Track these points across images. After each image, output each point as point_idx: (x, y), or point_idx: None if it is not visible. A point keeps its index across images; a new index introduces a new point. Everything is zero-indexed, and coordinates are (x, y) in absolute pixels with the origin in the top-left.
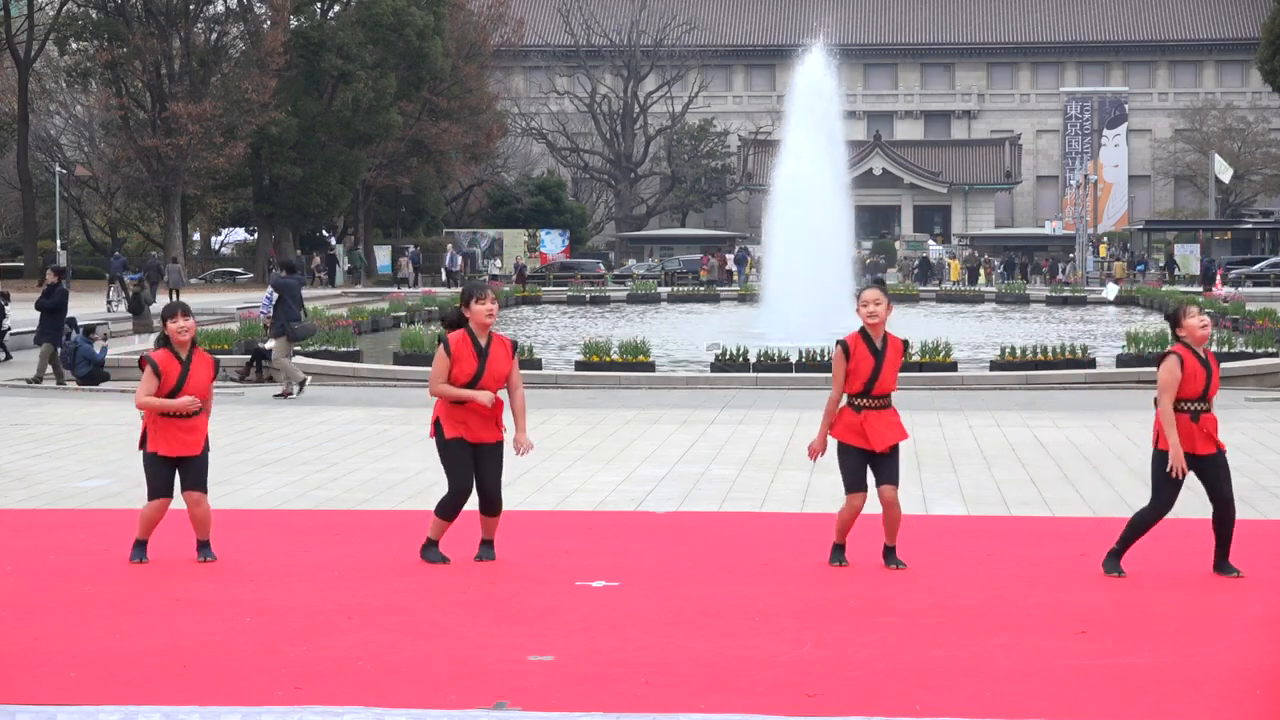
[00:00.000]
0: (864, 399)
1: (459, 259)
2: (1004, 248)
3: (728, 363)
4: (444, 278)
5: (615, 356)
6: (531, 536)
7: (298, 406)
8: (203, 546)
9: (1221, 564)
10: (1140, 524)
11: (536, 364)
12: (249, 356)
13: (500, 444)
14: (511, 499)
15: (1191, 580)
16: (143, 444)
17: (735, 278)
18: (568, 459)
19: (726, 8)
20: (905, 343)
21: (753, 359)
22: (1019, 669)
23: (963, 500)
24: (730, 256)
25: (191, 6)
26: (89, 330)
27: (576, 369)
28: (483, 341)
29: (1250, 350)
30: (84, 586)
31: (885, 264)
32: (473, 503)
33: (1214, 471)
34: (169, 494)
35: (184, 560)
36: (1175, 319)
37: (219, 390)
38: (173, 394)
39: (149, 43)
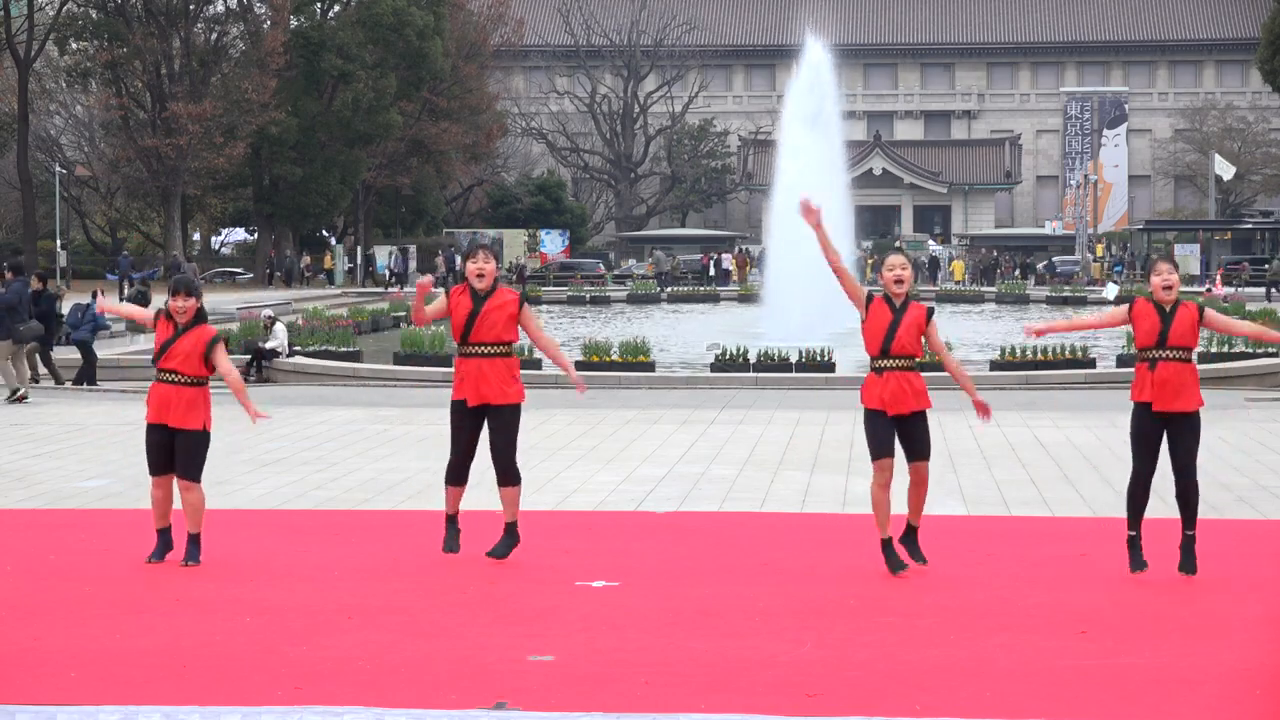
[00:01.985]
0: (883, 359)
1: (400, 260)
2: (1005, 248)
3: (728, 363)
4: (389, 278)
5: (615, 356)
6: (531, 536)
7: (298, 406)
8: (191, 544)
9: (1184, 557)
10: (1130, 496)
11: (536, 364)
12: (249, 356)
13: (512, 407)
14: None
15: (1191, 580)
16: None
17: (734, 276)
18: (568, 459)
19: (726, 8)
20: (930, 309)
21: (753, 359)
22: (1019, 669)
23: (963, 500)
24: (660, 254)
25: (191, 6)
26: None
27: (576, 369)
28: (481, 292)
29: (1250, 350)
30: (84, 586)
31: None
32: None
33: (1177, 433)
34: (164, 471)
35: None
36: (1146, 273)
37: (219, 390)
38: (155, 360)
39: (149, 43)
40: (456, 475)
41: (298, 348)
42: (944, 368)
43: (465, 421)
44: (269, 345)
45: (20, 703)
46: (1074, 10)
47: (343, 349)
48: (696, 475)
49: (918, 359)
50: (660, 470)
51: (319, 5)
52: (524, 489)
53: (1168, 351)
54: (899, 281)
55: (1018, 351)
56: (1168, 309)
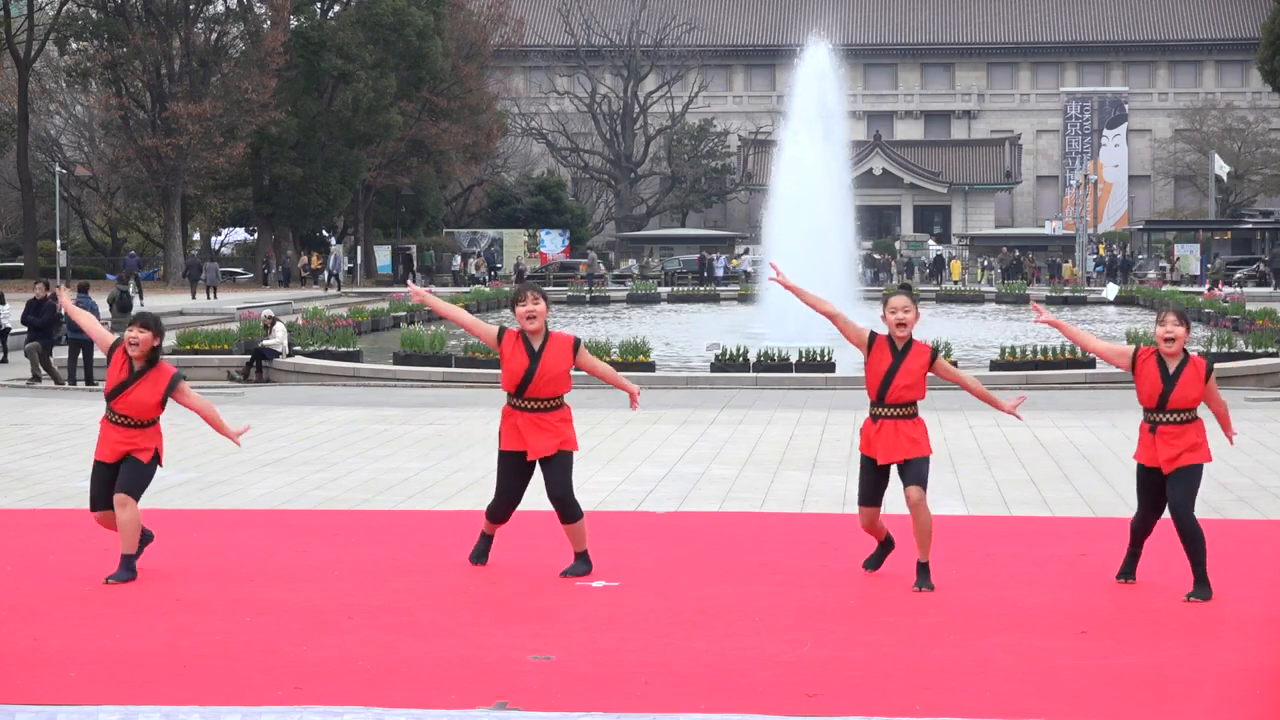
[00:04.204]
0: (878, 407)
1: (340, 260)
2: (1006, 248)
3: (728, 363)
4: (326, 278)
5: (615, 356)
6: (532, 536)
7: (298, 406)
8: (124, 562)
9: (1196, 585)
10: (1133, 527)
11: None
12: (249, 356)
13: (564, 454)
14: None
15: (1191, 581)
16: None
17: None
18: None
19: (726, 8)
20: (934, 349)
21: (753, 359)
22: (1019, 669)
23: (963, 500)
24: (588, 259)
25: (191, 6)
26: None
27: (576, 369)
28: (536, 345)
29: (1250, 350)
30: (84, 586)
31: (893, 260)
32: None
33: (1175, 480)
34: (105, 506)
35: (184, 560)
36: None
37: (219, 390)
38: (109, 398)
39: (149, 43)
40: (498, 516)
41: (298, 348)
42: (967, 391)
43: (514, 472)
44: (268, 344)
45: (20, 703)
46: (1074, 10)
47: (343, 349)
48: (696, 475)
49: (918, 402)
50: (660, 470)
51: (319, 5)
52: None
53: (1168, 415)
54: (901, 325)
55: (1018, 351)
56: (1171, 369)
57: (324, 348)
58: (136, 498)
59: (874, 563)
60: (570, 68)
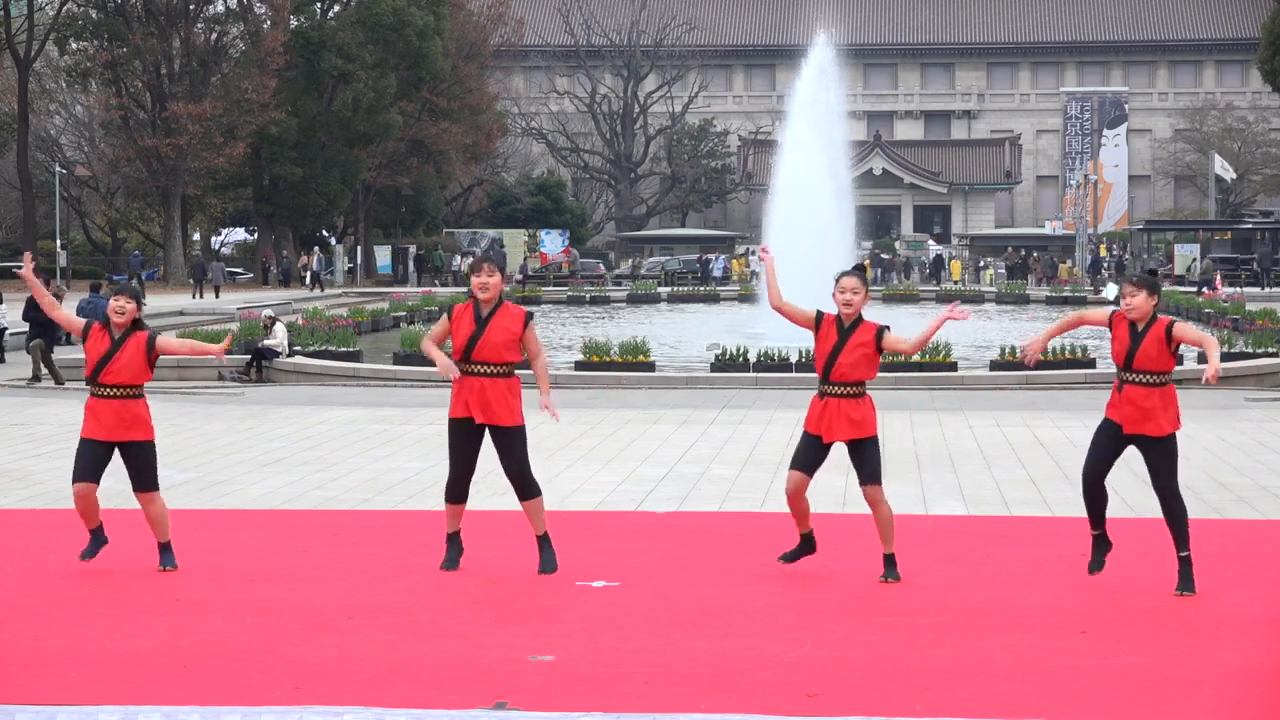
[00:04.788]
0: (825, 384)
1: (321, 260)
2: (1011, 248)
3: (728, 363)
4: (308, 280)
5: (615, 356)
6: (531, 537)
7: (298, 406)
8: (164, 551)
9: (1182, 578)
10: (1085, 497)
11: None
12: (249, 356)
13: (517, 428)
14: (512, 498)
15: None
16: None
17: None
18: (568, 459)
19: (726, 8)
20: (881, 329)
21: (752, 359)
22: (1019, 669)
23: (963, 500)
24: (569, 257)
25: (191, 6)
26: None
27: (576, 369)
28: (485, 312)
29: (1250, 350)
30: (84, 586)
31: (893, 260)
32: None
33: (1151, 457)
34: (94, 479)
35: (184, 560)
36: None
37: (219, 390)
38: (94, 374)
39: (149, 43)
40: (456, 492)
41: (298, 348)
42: (914, 349)
43: (464, 440)
44: (268, 344)
45: (20, 703)
46: (1074, 10)
47: (343, 349)
48: (696, 475)
49: (866, 383)
50: (660, 470)
51: (319, 5)
52: None
53: (1135, 375)
54: (848, 305)
55: (1018, 351)
56: (1140, 328)
57: (324, 348)
58: (157, 488)
59: (791, 557)
60: (570, 68)
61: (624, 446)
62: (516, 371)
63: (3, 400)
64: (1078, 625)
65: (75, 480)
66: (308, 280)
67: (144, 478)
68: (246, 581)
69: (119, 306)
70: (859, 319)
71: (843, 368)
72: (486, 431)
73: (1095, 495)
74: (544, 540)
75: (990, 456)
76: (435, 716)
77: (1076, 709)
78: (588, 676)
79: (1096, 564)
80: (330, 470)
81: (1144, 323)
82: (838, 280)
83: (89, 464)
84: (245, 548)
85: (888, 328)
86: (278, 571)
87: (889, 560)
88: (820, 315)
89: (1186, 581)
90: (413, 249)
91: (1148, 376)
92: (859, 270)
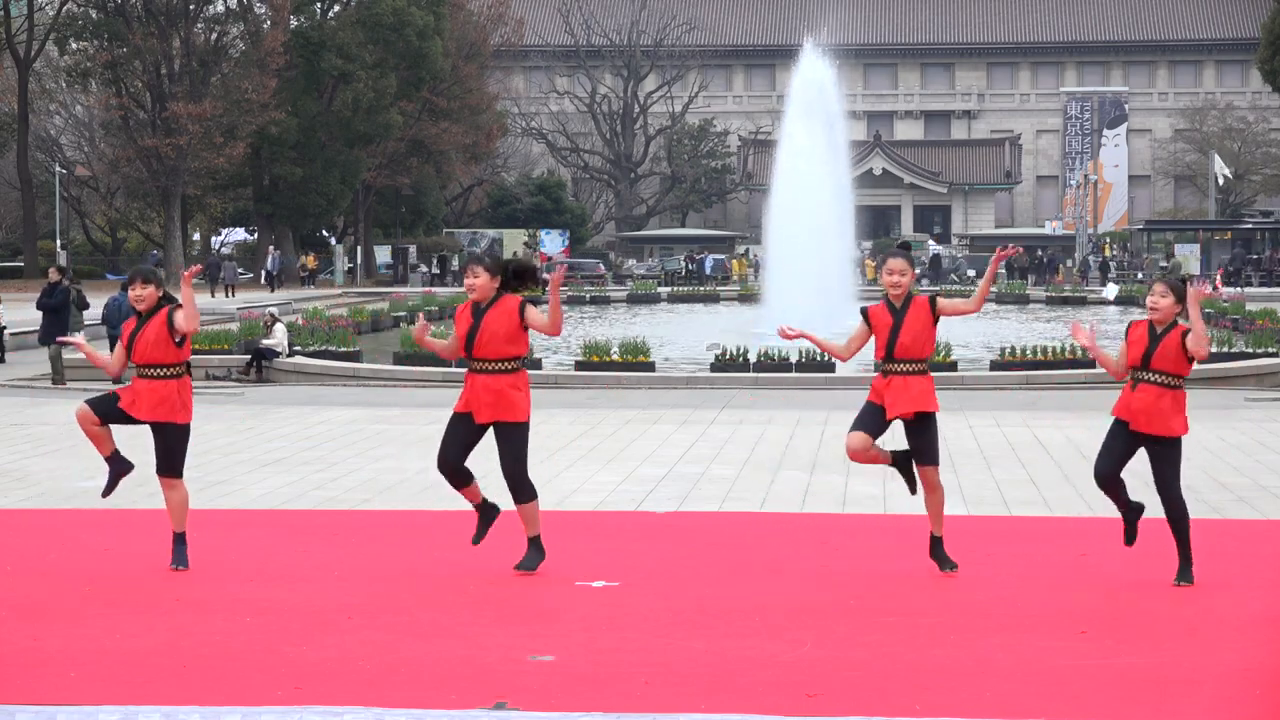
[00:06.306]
0: (888, 363)
1: (278, 260)
2: (1022, 247)
3: (728, 363)
4: (263, 279)
5: (615, 356)
6: None
7: (298, 406)
8: (177, 543)
9: (1181, 570)
10: (1104, 492)
11: (536, 364)
12: (249, 356)
13: (519, 425)
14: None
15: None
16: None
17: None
18: (568, 459)
19: (726, 8)
20: (931, 299)
21: (753, 359)
22: (1019, 669)
23: (963, 500)
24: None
25: (191, 6)
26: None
27: (576, 369)
28: (482, 307)
29: (1250, 350)
30: (84, 586)
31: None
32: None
33: (1156, 458)
34: (102, 418)
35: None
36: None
37: (219, 391)
38: (133, 359)
39: (149, 43)
40: (455, 476)
41: (298, 347)
42: (974, 309)
43: (462, 432)
44: (268, 344)
45: (20, 703)
46: (1074, 10)
47: (343, 349)
48: (696, 475)
49: (927, 359)
50: (660, 470)
51: (319, 5)
52: None
53: (1150, 374)
54: (896, 286)
55: (1018, 351)
56: (1159, 330)
57: (324, 348)
58: (180, 475)
59: (908, 478)
60: (570, 68)
61: (624, 446)
62: (526, 369)
63: (3, 400)
64: (1078, 625)
65: (92, 409)
66: (263, 279)
67: (166, 461)
68: (246, 581)
69: (136, 295)
70: (910, 296)
71: (905, 344)
72: (488, 431)
73: (1111, 489)
74: (534, 540)
75: (990, 456)
76: (435, 716)
77: (1076, 709)
78: (588, 676)
79: (1130, 535)
80: (330, 470)
81: (1164, 325)
82: (883, 262)
83: (107, 410)
84: (245, 548)
85: (938, 295)
86: (278, 571)
87: (938, 543)
88: (865, 313)
89: (1185, 574)
90: (413, 249)
91: (1162, 377)
92: (905, 249)
